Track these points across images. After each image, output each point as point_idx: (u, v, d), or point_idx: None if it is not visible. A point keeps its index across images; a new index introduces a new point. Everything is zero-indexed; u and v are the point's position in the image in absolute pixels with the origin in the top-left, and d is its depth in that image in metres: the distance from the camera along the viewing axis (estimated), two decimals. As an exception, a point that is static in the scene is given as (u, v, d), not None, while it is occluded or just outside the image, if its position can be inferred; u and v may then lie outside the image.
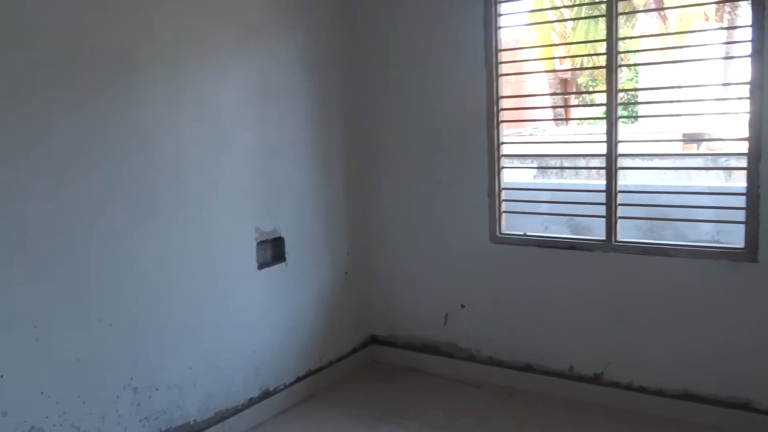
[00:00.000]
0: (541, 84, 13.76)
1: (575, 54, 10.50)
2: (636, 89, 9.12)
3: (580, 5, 3.87)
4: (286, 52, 3.56)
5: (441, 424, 3.41)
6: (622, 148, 3.35)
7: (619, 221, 3.40)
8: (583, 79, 15.65)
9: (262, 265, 3.46)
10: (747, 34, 2.97)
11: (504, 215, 3.76)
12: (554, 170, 6.67)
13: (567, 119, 14.00)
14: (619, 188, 3.37)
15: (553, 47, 12.31)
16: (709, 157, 6.02)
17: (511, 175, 3.90)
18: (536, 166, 6.06)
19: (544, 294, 3.66)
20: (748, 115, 2.99)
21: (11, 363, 2.40)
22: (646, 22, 13.30)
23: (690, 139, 8.87)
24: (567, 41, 12.17)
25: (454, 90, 3.78)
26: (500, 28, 3.60)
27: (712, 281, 3.20)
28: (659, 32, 12.22)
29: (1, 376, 2.37)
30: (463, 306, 3.94)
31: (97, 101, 2.64)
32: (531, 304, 3.71)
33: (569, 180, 6.38)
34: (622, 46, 3.33)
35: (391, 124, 4.03)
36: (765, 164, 2.98)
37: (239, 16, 3.27)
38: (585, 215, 3.77)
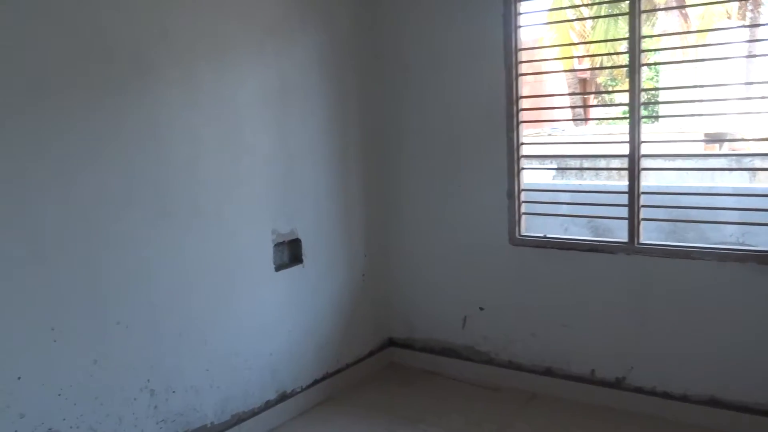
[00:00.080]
0: (559, 84, 13.66)
1: (595, 53, 10.38)
2: (656, 89, 9.00)
3: (600, 3, 3.78)
4: (304, 53, 3.53)
5: (460, 429, 3.37)
6: (645, 149, 3.29)
7: (642, 223, 3.34)
8: (602, 78, 15.52)
9: (279, 267, 3.44)
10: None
11: (524, 217, 3.70)
12: (573, 171, 6.60)
13: (586, 119, 13.88)
14: (642, 189, 3.30)
15: (572, 47, 12.19)
16: (733, 157, 5.91)
17: (530, 176, 3.84)
18: (556, 167, 5.98)
19: (564, 297, 3.60)
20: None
21: (29, 365, 2.40)
22: (666, 21, 13.15)
23: (713, 139, 8.73)
24: (586, 40, 12.06)
25: (473, 90, 3.73)
26: (520, 27, 3.55)
27: (738, 284, 3.12)
28: (681, 30, 12.07)
29: (19, 378, 2.37)
30: (482, 309, 3.90)
31: (113, 102, 2.63)
32: (551, 306, 3.65)
33: (589, 181, 6.31)
34: (645, 44, 3.25)
35: (409, 125, 3.99)
36: (794, 165, 2.90)
37: (256, 17, 3.25)
38: (607, 217, 3.71)
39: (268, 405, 3.38)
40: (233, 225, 3.17)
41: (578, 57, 13.11)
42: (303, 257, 3.57)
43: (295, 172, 3.50)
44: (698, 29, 11.90)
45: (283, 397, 3.47)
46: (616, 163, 6.43)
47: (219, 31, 3.05)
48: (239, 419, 3.22)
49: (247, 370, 3.26)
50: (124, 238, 2.69)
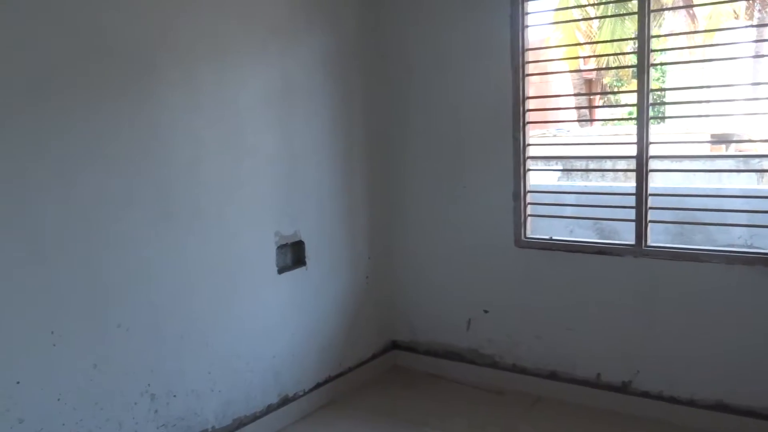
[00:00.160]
0: (565, 84, 13.61)
1: (602, 53, 10.32)
2: (663, 89, 8.93)
3: (607, 3, 3.74)
4: (308, 54, 3.50)
5: (464, 433, 3.34)
6: (653, 150, 3.24)
7: (650, 225, 3.29)
8: (608, 79, 15.44)
9: (282, 270, 3.41)
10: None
11: (529, 219, 3.66)
12: (579, 172, 6.54)
13: (591, 120, 13.82)
14: (650, 191, 3.26)
15: (578, 47, 12.14)
16: (740, 158, 5.86)
17: (535, 177, 3.81)
18: (562, 168, 5.93)
19: (570, 299, 3.56)
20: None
21: (28, 369, 2.37)
22: (673, 21, 13.08)
23: (720, 140, 8.67)
24: (593, 40, 12.00)
25: (479, 91, 3.69)
26: (527, 27, 3.51)
27: (746, 287, 3.08)
28: (690, 30, 11.99)
29: (18, 382, 2.34)
30: (486, 311, 3.86)
31: (114, 103, 2.60)
32: (557, 309, 3.61)
33: (595, 182, 6.25)
34: (653, 44, 3.21)
35: (414, 125, 3.96)
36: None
37: (260, 17, 3.21)
38: (615, 219, 3.66)
39: (270, 409, 3.34)
40: (235, 227, 3.13)
41: (584, 57, 13.05)
42: (306, 259, 3.54)
43: (298, 173, 3.47)
44: (706, 29, 11.84)
45: (285, 401, 3.43)
46: (622, 164, 6.37)
47: (221, 31, 3.02)
48: (241, 423, 3.18)
49: (249, 373, 3.23)
50: (125, 239, 2.66)
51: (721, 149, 9.18)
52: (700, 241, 4.39)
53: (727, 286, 3.12)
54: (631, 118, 10.46)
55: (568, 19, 11.19)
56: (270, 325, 3.34)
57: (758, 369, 3.08)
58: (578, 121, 12.50)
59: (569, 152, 6.14)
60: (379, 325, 4.12)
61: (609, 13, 8.52)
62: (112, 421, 2.64)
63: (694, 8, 12.21)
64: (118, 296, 2.65)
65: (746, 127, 8.84)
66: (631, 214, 3.31)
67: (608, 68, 12.91)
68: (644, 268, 3.31)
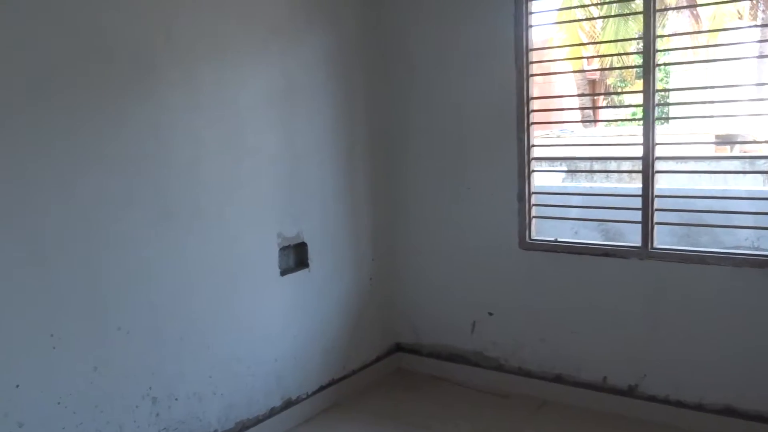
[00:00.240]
0: (569, 85, 13.57)
1: (606, 54, 10.29)
2: (669, 89, 8.88)
3: (611, 2, 3.71)
4: (310, 53, 3.47)
5: (468, 437, 3.31)
6: (659, 151, 3.21)
7: (656, 227, 3.26)
8: (611, 79, 15.40)
9: (284, 272, 3.38)
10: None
11: (534, 220, 3.63)
12: (583, 173, 6.51)
13: (595, 121, 13.78)
14: (656, 192, 3.22)
15: (582, 47, 12.10)
16: (746, 159, 5.81)
17: (539, 178, 3.77)
18: (566, 169, 5.90)
19: (576, 302, 3.52)
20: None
21: (27, 373, 2.34)
22: (677, 22, 13.04)
23: (726, 141, 8.62)
24: (597, 40, 11.96)
25: (482, 91, 3.66)
26: (531, 26, 3.47)
27: (754, 290, 3.04)
28: (694, 30, 11.95)
29: (17, 386, 2.31)
30: (491, 314, 3.82)
31: (114, 103, 2.57)
32: (562, 312, 3.57)
33: (600, 183, 6.22)
34: (658, 44, 3.18)
35: (417, 126, 3.93)
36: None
37: (260, 17, 3.19)
38: (621, 221, 3.62)
39: (272, 412, 3.31)
40: (237, 228, 3.11)
41: (588, 57, 13.00)
42: (309, 261, 3.51)
43: (300, 173, 3.44)
44: (711, 29, 11.80)
45: (288, 404, 3.40)
46: (626, 165, 6.33)
47: (222, 31, 2.99)
48: (243, 427, 3.15)
49: (251, 376, 3.20)
50: (125, 240, 2.63)
51: (726, 150, 9.13)
52: (706, 242, 4.35)
53: (734, 288, 3.08)
54: (635, 119, 10.46)
55: (574, 19, 11.14)
56: (272, 327, 3.31)
57: (767, 373, 3.04)
58: (582, 121, 12.46)
59: (575, 153, 6.12)
60: (383, 328, 4.09)
61: (613, 13, 8.47)
62: (112, 425, 2.61)
63: (698, 9, 12.18)
64: (119, 298, 2.62)
65: (751, 127, 8.79)
66: (637, 215, 3.28)
67: (612, 68, 12.87)
68: (650, 271, 3.27)
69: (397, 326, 4.17)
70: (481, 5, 3.59)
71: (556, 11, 9.43)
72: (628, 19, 10.98)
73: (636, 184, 4.01)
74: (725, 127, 8.99)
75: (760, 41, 5.06)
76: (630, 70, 13.56)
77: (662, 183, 4.50)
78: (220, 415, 3.05)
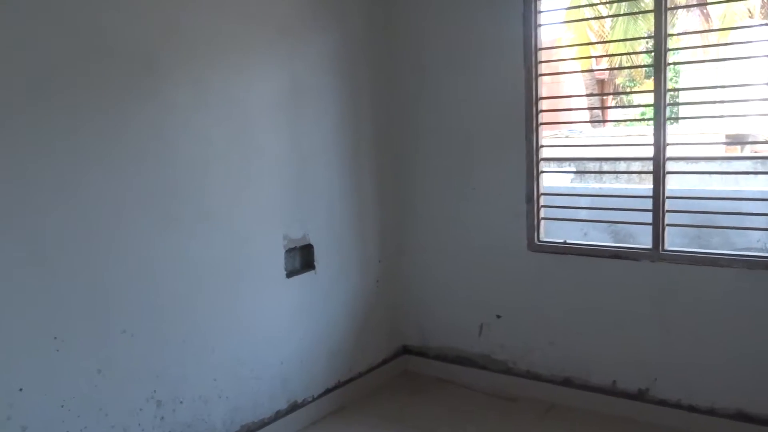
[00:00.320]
0: (577, 84, 13.49)
1: (615, 53, 10.20)
2: (680, 89, 8.82)
3: (620, 1, 3.66)
4: (317, 53, 3.44)
5: (476, 441, 3.27)
6: (670, 151, 3.16)
7: (667, 229, 3.21)
8: (620, 79, 15.31)
9: (290, 273, 3.35)
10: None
11: (542, 222, 3.58)
12: (592, 174, 6.46)
13: (604, 121, 13.69)
14: (667, 194, 3.17)
15: (590, 46, 12.01)
16: (758, 160, 5.74)
17: (548, 179, 3.73)
18: (575, 170, 5.84)
19: (585, 305, 3.48)
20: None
21: (30, 376, 2.32)
22: (687, 21, 12.95)
23: (737, 141, 8.54)
24: (606, 39, 11.88)
25: (491, 91, 3.62)
26: (540, 25, 3.43)
27: (767, 293, 2.99)
28: (705, 29, 11.86)
29: (21, 389, 2.29)
30: (498, 316, 3.78)
31: (118, 103, 2.54)
32: (571, 315, 3.53)
33: (609, 184, 6.17)
34: (670, 43, 3.13)
35: (424, 126, 3.89)
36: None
37: (267, 16, 3.16)
38: (632, 222, 3.57)
39: (278, 415, 3.28)
40: (243, 230, 3.08)
41: (597, 57, 12.93)
42: (315, 263, 3.48)
43: (307, 174, 3.41)
44: (722, 28, 11.70)
45: (294, 407, 3.37)
46: (636, 165, 6.27)
47: (229, 31, 2.97)
48: (249, 430, 3.13)
49: (257, 379, 3.17)
50: (129, 242, 2.60)
51: (737, 150, 9.04)
52: (717, 244, 4.29)
53: (747, 291, 3.03)
54: (644, 119, 10.37)
55: (583, 18, 11.07)
56: (278, 330, 3.28)
57: (780, 377, 3.00)
58: (591, 122, 12.38)
59: (584, 154, 6.06)
60: (390, 330, 4.05)
61: (622, 12, 8.40)
62: (117, 428, 2.59)
63: (708, 8, 12.07)
64: (123, 300, 2.60)
65: (762, 127, 8.69)
66: (648, 217, 3.23)
67: (622, 68, 12.77)
68: (661, 273, 3.23)
69: (403, 328, 4.14)
70: (490, 4, 3.55)
71: (565, 10, 9.35)
72: (637, 18, 10.90)
73: (646, 185, 3.96)
74: (736, 127, 8.91)
75: (771, 40, 4.97)
76: (639, 69, 13.47)
77: (672, 184, 4.46)
78: (226, 419, 3.02)
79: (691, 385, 3.21)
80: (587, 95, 13.68)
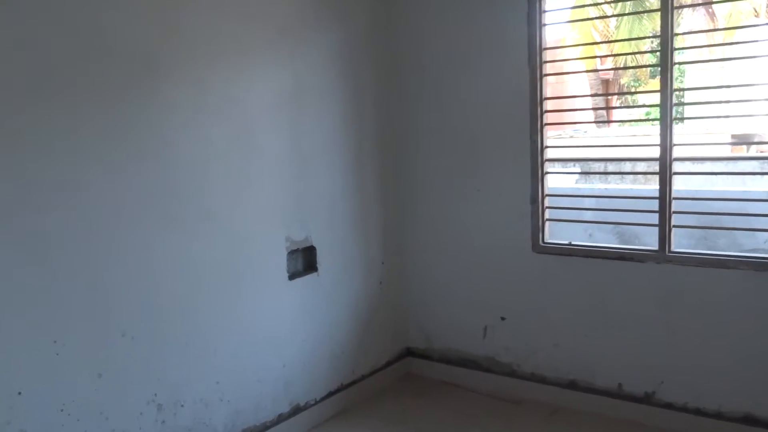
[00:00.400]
0: (582, 84, 13.44)
1: (620, 52, 10.16)
2: (686, 89, 8.76)
3: (626, 0, 3.62)
4: (318, 53, 3.42)
5: (480, 445, 3.24)
6: (677, 152, 3.12)
7: (673, 230, 3.17)
8: (625, 79, 15.25)
9: (293, 276, 3.32)
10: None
11: (547, 223, 3.55)
12: (597, 175, 6.42)
13: (609, 121, 13.64)
14: (673, 194, 3.14)
15: (595, 46, 11.96)
16: (765, 160, 5.71)
17: (552, 180, 3.70)
18: (580, 170, 5.80)
19: (590, 307, 3.44)
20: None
21: (30, 379, 2.29)
22: (692, 20, 12.89)
23: (743, 141, 8.49)
24: (611, 39, 11.83)
25: (494, 91, 3.59)
26: (545, 25, 3.39)
27: (776, 296, 2.96)
28: (711, 28, 11.80)
29: (20, 393, 2.27)
30: (503, 318, 3.75)
31: (119, 103, 2.52)
32: (576, 317, 3.49)
33: (614, 185, 6.12)
34: (676, 42, 3.09)
35: (427, 127, 3.86)
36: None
37: (267, 16, 3.13)
38: (637, 224, 3.54)
39: (280, 418, 3.26)
40: (245, 231, 3.05)
41: (601, 57, 12.87)
42: (318, 265, 3.45)
43: (309, 175, 3.39)
44: (728, 27, 11.64)
45: (296, 410, 3.34)
46: (641, 166, 6.24)
47: (229, 30, 2.94)
48: (251, 433, 3.11)
49: (259, 382, 3.14)
50: (129, 243, 2.58)
51: (743, 150, 8.99)
52: (724, 245, 4.25)
53: (755, 293, 3.00)
54: (649, 119, 10.31)
55: (588, 17, 11.02)
56: (280, 332, 3.26)
57: (789, 380, 2.96)
58: (596, 122, 12.33)
59: (588, 154, 6.03)
60: (393, 332, 4.02)
61: (627, 12, 8.35)
62: (117, 432, 2.57)
63: (714, 7, 12.01)
64: (123, 303, 2.57)
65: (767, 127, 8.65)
66: (654, 218, 3.19)
67: (627, 68, 12.71)
68: (668, 275, 3.19)
69: (407, 331, 4.11)
70: (494, 3, 3.52)
71: (570, 9, 9.32)
72: (642, 17, 10.84)
73: (652, 186, 3.91)
74: (741, 127, 8.86)
75: (778, 39, 4.93)
76: (644, 69, 13.42)
77: (678, 184, 4.41)
78: (227, 422, 2.99)
79: (698, 389, 3.18)
80: (592, 95, 13.63)
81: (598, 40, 11.88)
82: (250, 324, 3.10)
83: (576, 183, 6.34)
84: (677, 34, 3.10)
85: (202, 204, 2.85)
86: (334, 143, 3.53)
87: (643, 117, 12.52)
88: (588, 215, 4.21)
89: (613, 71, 14.52)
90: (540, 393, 3.62)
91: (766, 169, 5.04)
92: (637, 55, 10.05)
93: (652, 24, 10.01)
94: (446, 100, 3.77)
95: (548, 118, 3.49)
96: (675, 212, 3.15)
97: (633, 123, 11.63)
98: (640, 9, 9.56)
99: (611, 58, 13.34)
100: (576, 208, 3.82)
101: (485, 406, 3.63)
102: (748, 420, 3.06)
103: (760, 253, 3.56)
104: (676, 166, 3.15)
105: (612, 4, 4.48)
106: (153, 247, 2.66)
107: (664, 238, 3.16)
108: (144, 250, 2.63)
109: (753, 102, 3.49)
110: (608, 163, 5.95)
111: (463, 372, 3.90)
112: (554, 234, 3.62)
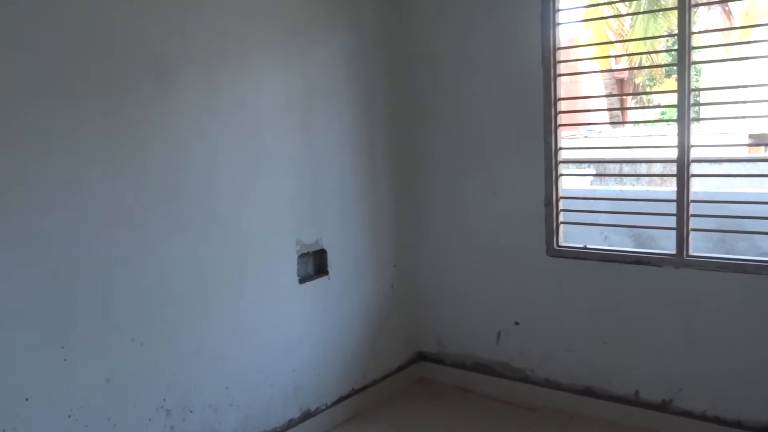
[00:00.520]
0: (596, 85, 13.32)
1: (635, 52, 10.04)
2: (703, 89, 8.64)
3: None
4: (329, 54, 3.38)
5: (493, 452, 3.18)
6: (695, 153, 3.05)
7: (691, 233, 3.10)
8: (640, 78, 15.10)
9: (303, 279, 3.29)
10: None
11: (562, 226, 3.49)
12: (612, 177, 6.33)
13: (624, 122, 13.50)
14: (691, 197, 3.07)
15: (609, 45, 11.83)
16: (783, 161, 5.59)
17: (567, 182, 3.63)
18: (595, 172, 5.72)
19: (606, 312, 3.37)
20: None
21: (37, 385, 2.27)
22: (708, 19, 12.74)
23: (761, 141, 8.35)
24: (626, 38, 11.70)
25: (508, 91, 3.53)
26: (559, 24, 3.34)
27: (798, 301, 2.88)
28: (728, 27, 11.65)
29: (27, 399, 2.25)
30: (517, 323, 3.69)
31: (125, 105, 2.49)
32: (592, 322, 3.43)
33: (630, 187, 6.03)
34: (693, 41, 3.02)
35: (440, 128, 3.81)
36: None
37: (279, 16, 3.10)
38: (654, 227, 3.46)
39: (291, 424, 3.22)
40: (255, 235, 3.02)
41: (616, 56, 12.74)
42: (329, 268, 3.41)
43: (320, 177, 3.35)
44: (745, 25, 11.48)
45: (306, 416, 3.31)
46: (657, 167, 6.15)
47: (239, 31, 2.91)
48: (260, 439, 3.07)
49: (269, 387, 3.11)
50: (137, 249, 2.55)
51: (761, 151, 8.85)
52: (743, 248, 4.16)
53: (776, 298, 2.92)
54: (665, 120, 10.18)
55: (603, 17, 10.91)
56: (291, 337, 3.22)
57: (811, 388, 2.88)
58: (611, 123, 12.20)
59: (603, 155, 5.95)
60: (405, 336, 3.97)
61: (642, 10, 8.25)
62: (125, 439, 2.54)
63: (730, 5, 11.86)
64: (131, 308, 2.54)
65: (785, 128, 8.51)
66: (671, 221, 3.12)
67: (642, 67, 12.57)
68: (686, 279, 3.12)
69: (419, 335, 4.06)
70: (507, 3, 3.46)
71: (584, 9, 9.22)
72: (657, 15, 10.71)
73: (669, 188, 3.84)
74: (759, 127, 8.72)
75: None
76: (659, 69, 13.26)
77: (696, 186, 4.33)
78: (237, 427, 2.96)
79: (717, 396, 3.10)
80: (607, 95, 13.49)
81: (613, 40, 11.76)
82: (260, 328, 3.06)
83: (591, 185, 6.25)
84: (694, 33, 3.03)
85: (212, 207, 2.82)
86: (345, 145, 3.49)
87: (660, 117, 12.36)
88: (603, 218, 4.13)
89: (628, 71, 14.37)
90: (555, 399, 3.56)
91: (785, 170, 4.94)
92: (653, 55, 9.90)
93: (668, 22, 9.88)
94: (458, 101, 3.71)
95: (562, 118, 3.44)
96: (693, 215, 3.08)
97: (648, 123, 11.50)
98: (656, 7, 9.44)
99: (626, 58, 13.20)
100: (591, 210, 3.74)
101: (498, 412, 3.58)
102: (769, 429, 2.99)
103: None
104: (694, 168, 3.08)
105: (627, 3, 4.40)
106: (161, 251, 2.64)
107: (682, 242, 3.09)
108: (152, 255, 2.60)
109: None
110: (624, 165, 5.86)
111: (476, 377, 3.84)
112: (569, 237, 3.56)
